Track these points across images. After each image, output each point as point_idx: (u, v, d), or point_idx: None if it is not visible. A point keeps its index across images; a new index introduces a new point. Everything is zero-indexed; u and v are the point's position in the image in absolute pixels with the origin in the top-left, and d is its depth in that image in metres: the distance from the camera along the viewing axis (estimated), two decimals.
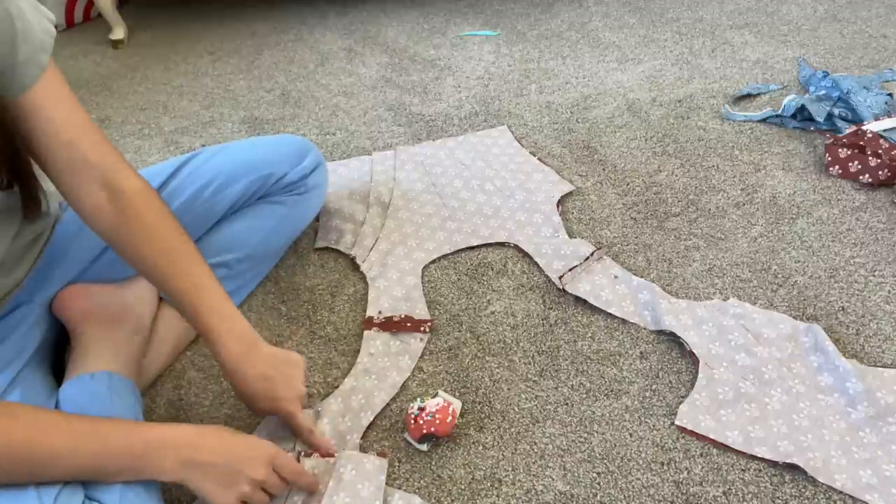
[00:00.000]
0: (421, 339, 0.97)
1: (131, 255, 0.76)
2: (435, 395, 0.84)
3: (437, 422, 0.81)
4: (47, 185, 0.74)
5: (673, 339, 0.95)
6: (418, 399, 0.84)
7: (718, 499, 0.76)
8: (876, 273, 1.05)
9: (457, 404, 0.84)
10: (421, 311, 1.01)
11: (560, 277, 1.04)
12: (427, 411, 0.81)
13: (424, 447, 0.82)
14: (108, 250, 0.91)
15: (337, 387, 0.91)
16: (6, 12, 0.60)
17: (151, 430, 0.67)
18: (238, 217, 1.01)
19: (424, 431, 0.80)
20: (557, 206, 1.20)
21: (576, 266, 1.06)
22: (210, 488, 0.67)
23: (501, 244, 1.14)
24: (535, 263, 1.09)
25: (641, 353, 0.94)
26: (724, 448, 0.81)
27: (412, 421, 0.81)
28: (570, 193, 1.24)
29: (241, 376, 0.76)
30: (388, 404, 0.88)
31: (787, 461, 0.78)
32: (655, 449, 0.82)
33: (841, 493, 0.76)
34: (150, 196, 0.76)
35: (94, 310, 0.86)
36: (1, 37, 0.61)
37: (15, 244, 0.79)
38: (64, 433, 0.62)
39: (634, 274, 1.05)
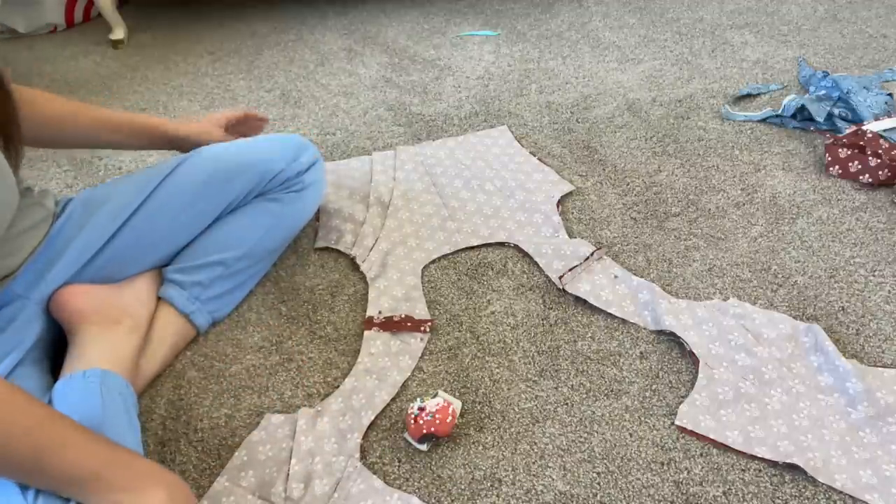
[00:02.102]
0: (421, 339, 0.97)
1: (45, 118, 0.90)
2: (435, 396, 0.84)
3: (437, 422, 0.81)
4: (46, 182, 0.75)
5: (673, 339, 0.95)
6: (418, 399, 0.84)
7: (718, 499, 0.76)
8: (876, 273, 1.05)
9: (457, 404, 0.84)
10: (421, 311, 1.01)
11: (560, 277, 1.04)
12: (427, 411, 0.81)
13: (424, 447, 0.82)
14: (106, 250, 0.91)
15: (337, 387, 0.91)
16: None
17: (156, 470, 0.65)
18: (235, 215, 1.01)
19: (424, 431, 0.80)
20: (557, 206, 1.20)
21: (576, 266, 1.06)
22: None
23: (501, 244, 1.14)
24: (535, 263, 1.09)
25: (641, 353, 0.94)
26: (724, 448, 0.81)
27: (412, 421, 0.81)
28: (570, 193, 1.24)
29: (182, 122, 1.02)
30: (388, 404, 0.88)
31: (787, 461, 0.78)
32: (655, 449, 0.82)
33: (841, 493, 0.76)
34: (35, 89, 0.90)
35: (90, 310, 0.86)
36: None
37: (11, 230, 0.80)
38: (82, 434, 0.62)
39: (634, 274, 1.05)
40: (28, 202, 0.86)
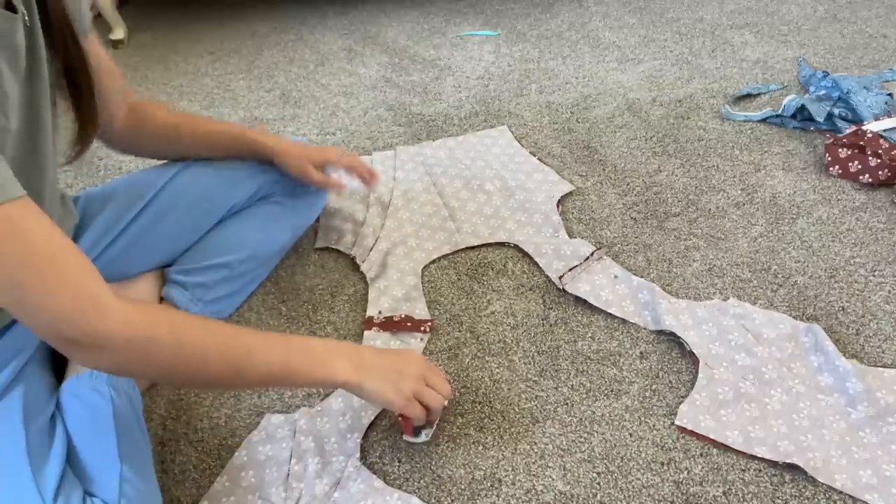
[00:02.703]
0: (421, 339, 0.97)
1: (154, 133, 0.94)
2: None
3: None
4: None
5: (673, 339, 0.95)
6: None
7: (718, 499, 0.76)
8: (876, 273, 1.05)
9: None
10: (421, 311, 1.01)
11: (560, 277, 1.04)
12: None
13: (422, 437, 0.81)
14: (110, 249, 0.91)
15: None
16: None
17: (323, 340, 0.74)
18: (239, 218, 1.01)
19: (414, 424, 0.80)
20: (557, 206, 1.20)
21: (576, 266, 1.06)
22: (382, 387, 0.73)
23: (501, 244, 1.14)
24: (535, 263, 1.09)
25: (641, 353, 0.94)
26: (724, 448, 0.81)
27: (401, 420, 0.81)
28: (570, 193, 1.24)
29: (284, 144, 1.01)
30: None
31: (787, 461, 0.78)
32: (655, 449, 0.82)
33: (841, 493, 0.76)
34: (153, 102, 0.97)
35: None
36: None
37: None
38: (255, 334, 0.69)
39: (634, 274, 1.05)
40: (66, 212, 0.86)
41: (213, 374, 0.65)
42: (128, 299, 0.60)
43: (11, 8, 0.63)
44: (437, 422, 0.82)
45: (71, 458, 0.68)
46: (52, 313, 0.55)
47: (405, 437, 0.83)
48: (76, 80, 0.73)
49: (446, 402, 0.79)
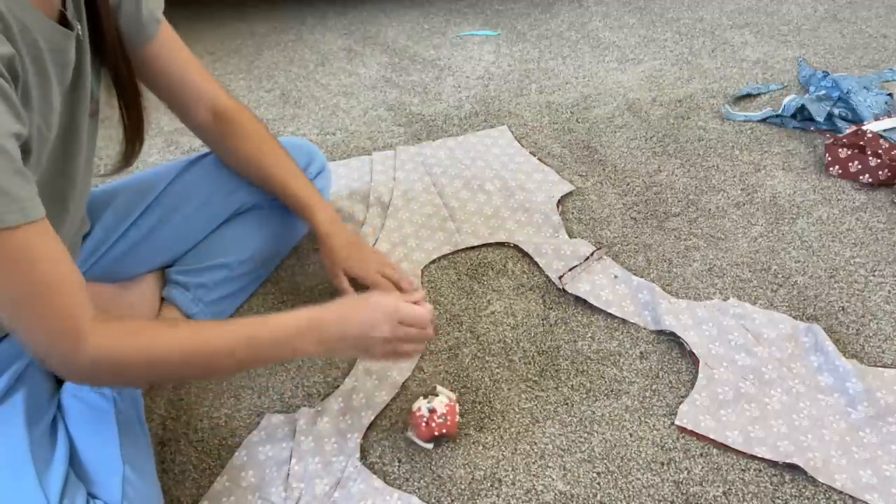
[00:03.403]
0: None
1: (231, 155, 0.97)
2: (436, 394, 0.83)
3: (448, 423, 0.80)
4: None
5: (673, 339, 0.95)
6: (423, 399, 0.82)
7: (718, 499, 0.76)
8: (876, 273, 1.05)
9: (454, 397, 0.84)
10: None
11: (560, 277, 1.04)
12: (438, 413, 0.80)
13: (431, 446, 0.82)
14: (113, 249, 0.91)
15: (337, 387, 0.91)
16: None
17: (286, 321, 0.73)
18: (241, 220, 1.01)
19: (436, 434, 0.80)
20: (557, 206, 1.20)
21: (576, 266, 1.06)
22: (353, 354, 0.80)
23: (501, 244, 1.14)
24: (535, 263, 1.09)
25: (641, 353, 0.94)
26: (724, 448, 0.81)
27: (423, 423, 0.80)
28: (570, 193, 1.24)
29: (333, 239, 0.95)
30: (388, 404, 0.88)
31: (787, 461, 0.78)
32: (655, 449, 0.82)
33: (841, 493, 0.76)
34: (244, 111, 0.96)
35: (96, 309, 0.86)
36: (129, 1, 0.76)
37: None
38: (221, 335, 0.70)
39: (634, 274, 1.05)
40: (82, 221, 0.86)
41: (186, 377, 0.75)
42: (110, 324, 0.63)
43: (66, 23, 0.65)
44: (452, 436, 0.82)
45: (73, 460, 0.68)
46: (37, 335, 0.60)
47: (411, 436, 0.82)
48: (124, 95, 0.77)
49: (433, 333, 0.81)
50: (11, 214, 0.54)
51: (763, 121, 1.42)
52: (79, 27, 0.67)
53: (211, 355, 0.69)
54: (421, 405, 0.81)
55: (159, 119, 1.60)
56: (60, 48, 0.64)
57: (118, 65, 0.74)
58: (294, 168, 0.97)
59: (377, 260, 0.98)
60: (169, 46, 0.85)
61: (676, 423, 0.84)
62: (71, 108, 0.70)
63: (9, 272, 0.56)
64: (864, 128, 1.26)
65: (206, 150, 1.01)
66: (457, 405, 0.83)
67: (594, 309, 1.00)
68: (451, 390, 0.90)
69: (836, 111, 1.37)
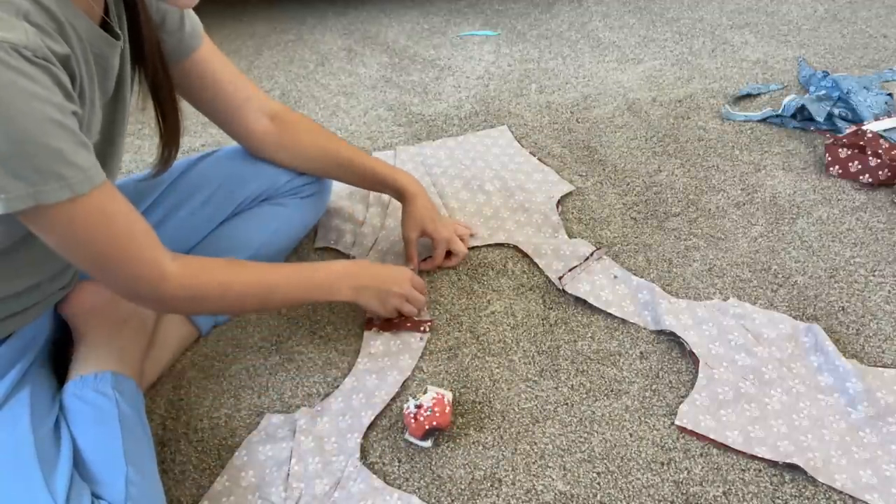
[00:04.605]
0: (421, 339, 0.97)
1: (299, 153, 1.01)
2: (426, 391, 0.83)
3: (437, 414, 0.81)
4: None
5: (673, 339, 0.95)
6: (411, 398, 0.83)
7: (718, 499, 0.76)
8: (876, 273, 1.05)
9: (448, 394, 0.84)
10: (420, 312, 1.01)
11: (560, 277, 1.04)
12: (425, 407, 0.81)
13: (428, 443, 0.82)
14: None
15: (337, 386, 0.91)
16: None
17: (328, 268, 0.91)
18: (242, 218, 1.01)
19: (427, 427, 0.80)
20: (557, 206, 1.20)
21: (576, 266, 1.06)
22: (374, 304, 0.92)
23: (501, 244, 1.14)
24: (535, 263, 1.09)
25: (641, 353, 0.94)
26: (724, 448, 0.81)
27: (412, 420, 0.81)
28: (570, 193, 1.24)
29: (414, 199, 1.04)
30: (388, 404, 0.88)
31: (787, 461, 0.78)
32: (655, 449, 0.82)
33: (841, 493, 0.76)
34: (291, 110, 1.01)
35: (100, 308, 0.86)
36: (174, 15, 0.82)
37: None
38: (277, 273, 0.85)
39: (634, 274, 1.05)
40: None
41: (247, 309, 0.94)
42: (185, 262, 0.74)
43: (109, 30, 0.67)
44: (445, 427, 0.82)
45: (77, 460, 0.68)
46: (127, 279, 0.69)
47: (408, 438, 0.83)
48: (161, 103, 0.80)
49: (424, 312, 1.00)
50: (81, 184, 0.59)
51: (763, 121, 1.42)
52: (123, 38, 0.70)
53: (271, 294, 0.83)
54: (408, 404, 0.82)
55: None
56: (105, 54, 0.67)
57: (157, 73, 0.77)
58: (356, 149, 1.06)
59: (452, 223, 1.11)
60: (214, 56, 0.90)
61: (676, 423, 0.84)
62: (112, 117, 0.74)
63: (91, 232, 0.63)
64: (864, 128, 1.26)
65: (206, 149, 1.02)
66: (446, 397, 0.83)
67: (594, 309, 1.00)
68: (450, 390, 0.90)
69: (836, 111, 1.37)
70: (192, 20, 0.85)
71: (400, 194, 1.05)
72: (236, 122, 0.96)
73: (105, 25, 0.68)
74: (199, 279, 0.74)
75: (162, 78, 0.77)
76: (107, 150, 0.74)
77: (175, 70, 0.83)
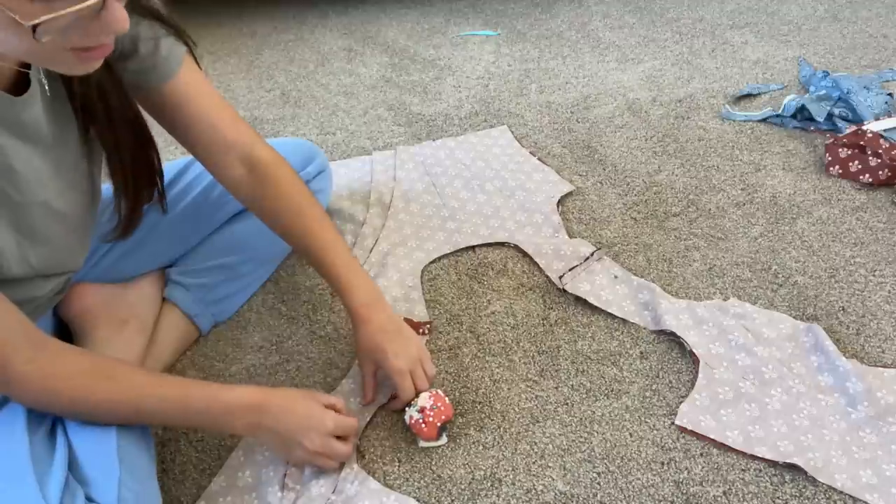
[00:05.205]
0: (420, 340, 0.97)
1: (268, 216, 0.87)
2: (418, 396, 0.83)
3: (442, 408, 0.82)
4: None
5: (673, 339, 0.95)
6: (408, 408, 0.83)
7: (718, 499, 0.76)
8: (876, 273, 1.05)
9: (438, 390, 0.85)
10: (420, 313, 1.01)
11: (560, 277, 1.04)
12: (429, 408, 0.81)
13: (444, 439, 0.83)
14: (113, 249, 0.91)
15: (336, 387, 0.91)
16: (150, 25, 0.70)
17: (228, 394, 0.74)
18: (241, 219, 1.01)
19: (439, 424, 0.81)
20: (557, 206, 1.20)
21: (576, 266, 1.06)
22: (272, 447, 0.80)
23: (501, 244, 1.14)
24: (535, 263, 1.09)
25: (641, 353, 0.94)
26: (724, 448, 0.81)
27: (423, 425, 0.81)
28: (570, 193, 1.24)
29: (364, 325, 0.84)
30: (385, 405, 0.88)
31: (787, 461, 0.78)
32: (655, 449, 0.82)
33: (841, 493, 0.76)
34: (282, 165, 0.85)
35: (99, 309, 0.86)
36: (147, 42, 0.71)
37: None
38: (154, 399, 0.70)
39: (634, 274, 1.05)
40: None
41: (109, 423, 0.70)
42: (42, 364, 0.65)
43: (25, 83, 0.61)
44: (451, 418, 0.83)
45: (71, 462, 0.67)
46: None
47: (423, 444, 0.83)
48: (114, 157, 0.71)
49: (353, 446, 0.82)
50: None
51: (763, 121, 1.42)
52: (45, 82, 0.63)
53: (137, 411, 0.70)
54: (410, 413, 0.82)
55: None
56: (4, 114, 0.60)
57: (96, 118, 0.68)
58: (333, 236, 0.87)
59: (408, 355, 0.84)
60: (194, 87, 0.78)
61: (676, 422, 0.84)
62: (56, 167, 0.67)
63: None
64: (864, 128, 1.26)
65: None
66: (439, 391, 0.84)
67: (594, 309, 1.00)
68: (453, 393, 0.90)
69: (836, 111, 1.37)
70: (170, 46, 0.74)
71: (350, 315, 0.86)
72: (217, 166, 0.84)
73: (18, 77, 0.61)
74: (47, 384, 0.66)
75: (103, 124, 0.69)
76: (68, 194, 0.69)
77: (148, 99, 0.75)
